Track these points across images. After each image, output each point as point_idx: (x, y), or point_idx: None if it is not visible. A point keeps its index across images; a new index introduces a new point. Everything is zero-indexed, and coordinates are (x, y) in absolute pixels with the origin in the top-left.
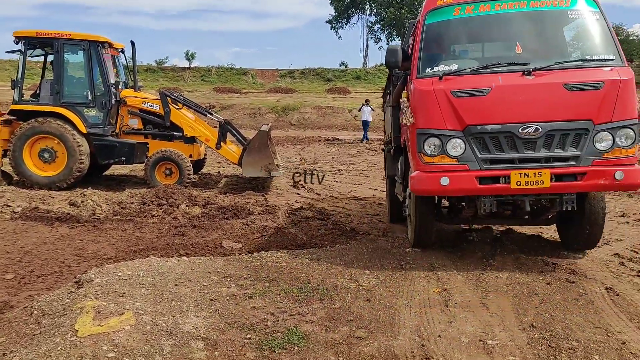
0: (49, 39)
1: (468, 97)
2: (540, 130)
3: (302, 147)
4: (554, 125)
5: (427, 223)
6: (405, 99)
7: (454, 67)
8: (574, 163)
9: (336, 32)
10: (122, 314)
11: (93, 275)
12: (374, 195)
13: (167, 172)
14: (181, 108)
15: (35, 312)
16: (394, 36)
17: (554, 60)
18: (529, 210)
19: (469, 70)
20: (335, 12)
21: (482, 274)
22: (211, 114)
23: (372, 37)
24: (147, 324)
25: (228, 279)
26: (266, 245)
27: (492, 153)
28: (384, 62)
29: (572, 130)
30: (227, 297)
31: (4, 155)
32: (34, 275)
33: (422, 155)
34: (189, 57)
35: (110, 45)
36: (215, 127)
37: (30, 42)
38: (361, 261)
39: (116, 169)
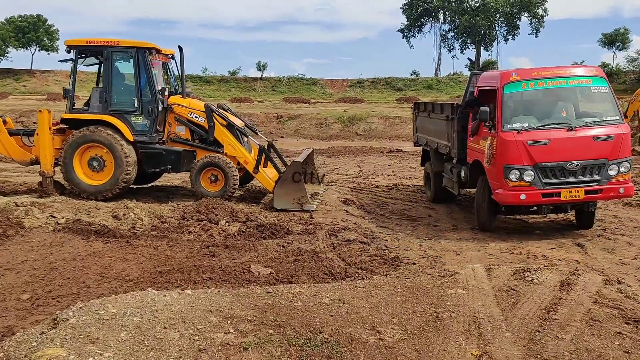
0: (99, 46)
1: (536, 145)
2: (579, 165)
3: (363, 159)
4: (586, 162)
5: (489, 215)
6: (489, 143)
7: (525, 124)
8: (597, 184)
9: (408, 41)
10: None
11: (71, 314)
12: (430, 216)
13: (213, 178)
14: (225, 125)
15: (1, 354)
16: (468, 44)
17: (584, 121)
18: (569, 210)
19: (535, 127)
20: (407, 21)
21: (540, 331)
22: (256, 133)
23: (445, 46)
24: None
25: (229, 322)
26: (296, 272)
27: (550, 179)
28: (480, 119)
29: (596, 164)
30: (219, 347)
31: (56, 164)
32: (50, 296)
33: (508, 180)
34: (261, 67)
35: (159, 51)
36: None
37: (81, 51)
38: (391, 304)
39: (169, 179)
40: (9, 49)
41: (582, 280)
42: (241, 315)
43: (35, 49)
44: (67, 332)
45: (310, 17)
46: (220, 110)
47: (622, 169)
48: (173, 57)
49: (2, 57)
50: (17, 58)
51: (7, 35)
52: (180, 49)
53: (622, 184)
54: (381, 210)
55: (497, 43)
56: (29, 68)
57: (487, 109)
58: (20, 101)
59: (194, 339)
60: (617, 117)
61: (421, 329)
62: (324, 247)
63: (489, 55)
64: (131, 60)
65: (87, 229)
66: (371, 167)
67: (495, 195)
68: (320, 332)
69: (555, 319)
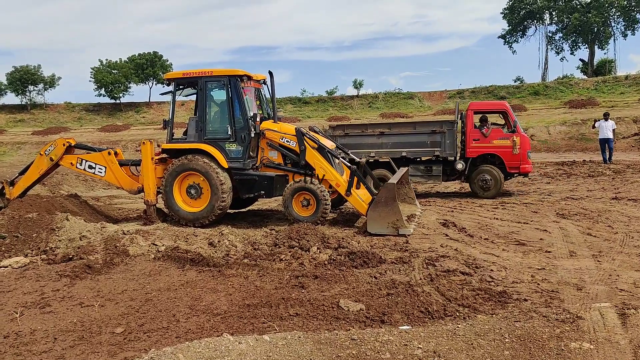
0: (194, 77)
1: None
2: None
3: None
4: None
5: (502, 183)
6: (514, 139)
7: (521, 130)
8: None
9: (510, 46)
10: None
11: None
12: (541, 239)
13: (305, 202)
14: (316, 148)
15: None
16: (579, 44)
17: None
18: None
19: (523, 131)
20: (508, 26)
21: None
22: (347, 154)
23: (552, 48)
24: None
25: None
26: (389, 309)
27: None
28: (511, 126)
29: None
30: None
31: (159, 193)
32: (141, 330)
33: (529, 159)
34: (357, 85)
35: (250, 77)
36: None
37: (179, 83)
38: None
39: (265, 203)
40: (130, 84)
41: None
42: None
43: (152, 83)
44: None
45: (406, 31)
46: (311, 133)
47: None
48: (264, 82)
49: (125, 93)
50: (137, 92)
51: (129, 73)
52: (271, 74)
53: None
54: (485, 234)
55: (614, 40)
56: (147, 100)
57: (516, 120)
58: (140, 131)
59: None
60: None
61: None
62: (420, 279)
63: (605, 54)
64: (224, 88)
65: (184, 257)
66: None
67: (523, 168)
68: None
69: None
